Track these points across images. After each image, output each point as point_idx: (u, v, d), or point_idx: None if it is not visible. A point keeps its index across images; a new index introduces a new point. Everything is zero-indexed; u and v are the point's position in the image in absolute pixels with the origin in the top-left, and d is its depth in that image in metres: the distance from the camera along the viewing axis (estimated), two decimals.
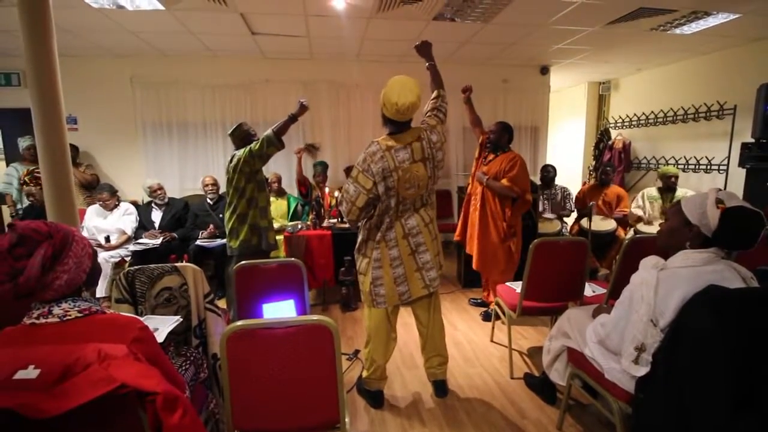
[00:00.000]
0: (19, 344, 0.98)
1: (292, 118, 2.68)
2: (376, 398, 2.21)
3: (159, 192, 4.05)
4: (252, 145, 2.69)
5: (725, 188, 4.39)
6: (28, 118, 2.36)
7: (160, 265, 1.79)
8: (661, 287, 1.36)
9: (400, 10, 3.24)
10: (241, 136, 2.85)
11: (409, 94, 1.88)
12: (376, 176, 1.92)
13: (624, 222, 4.28)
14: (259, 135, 2.77)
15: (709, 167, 4.59)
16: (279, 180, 4.32)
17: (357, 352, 2.75)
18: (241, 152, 2.72)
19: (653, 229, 3.83)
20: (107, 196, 3.88)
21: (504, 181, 2.98)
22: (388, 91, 1.91)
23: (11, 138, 4.37)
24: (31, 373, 0.91)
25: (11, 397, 0.86)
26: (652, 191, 4.26)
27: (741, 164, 3.99)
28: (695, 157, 4.74)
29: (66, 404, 0.86)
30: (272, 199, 4.26)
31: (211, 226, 3.89)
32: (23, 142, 4.08)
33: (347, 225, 3.55)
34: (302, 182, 4.36)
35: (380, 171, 1.91)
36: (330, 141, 5.07)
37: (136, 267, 1.78)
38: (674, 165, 4.87)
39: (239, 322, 1.23)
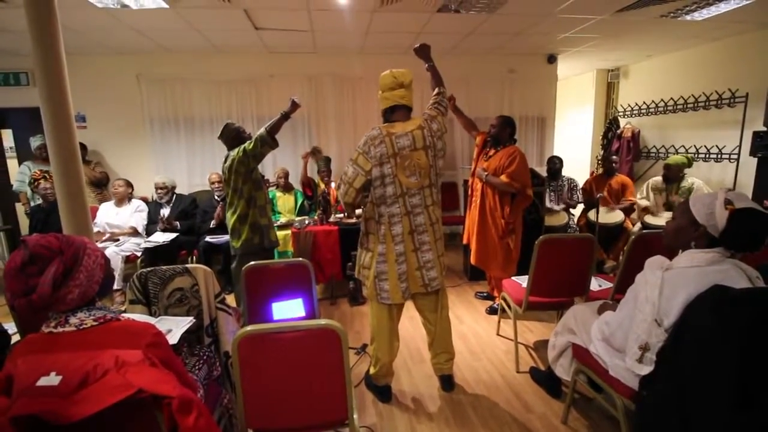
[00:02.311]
0: (40, 351, 1.02)
1: (285, 116, 2.69)
2: (383, 393, 2.26)
3: (158, 192, 4.09)
4: (246, 144, 2.68)
5: (736, 177, 4.34)
6: (39, 117, 2.39)
7: (171, 266, 1.83)
8: (666, 287, 1.37)
9: (403, 2, 3.20)
10: (230, 135, 2.83)
11: (402, 70, 2.06)
12: (373, 160, 1.97)
13: (629, 211, 4.25)
14: (255, 131, 2.75)
15: (719, 156, 4.51)
16: (286, 175, 4.34)
17: (365, 346, 2.79)
18: (234, 152, 2.71)
19: (660, 221, 3.80)
20: (123, 183, 3.99)
21: (503, 177, 2.95)
22: (383, 75, 2.08)
23: (23, 137, 4.43)
24: (53, 379, 0.95)
25: (36, 404, 0.91)
26: (658, 180, 4.20)
27: (752, 153, 3.93)
28: (705, 146, 4.66)
29: (87, 410, 0.91)
30: (279, 194, 4.30)
31: (220, 207, 3.93)
32: (35, 142, 4.14)
33: (353, 220, 3.58)
34: (307, 184, 4.38)
35: (378, 156, 1.96)
36: (335, 135, 5.06)
37: (148, 269, 1.83)
38: (684, 154, 4.79)
39: (249, 327, 1.27)
